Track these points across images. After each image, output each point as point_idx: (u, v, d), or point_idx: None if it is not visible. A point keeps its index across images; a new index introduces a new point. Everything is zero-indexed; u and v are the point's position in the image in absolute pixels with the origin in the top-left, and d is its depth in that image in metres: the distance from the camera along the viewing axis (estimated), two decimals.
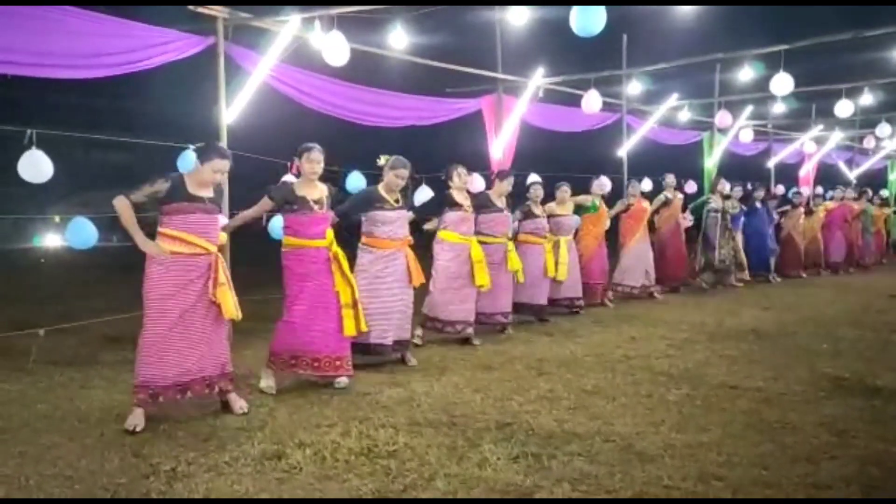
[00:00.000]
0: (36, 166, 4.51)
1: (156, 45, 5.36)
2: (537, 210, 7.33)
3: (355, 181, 6.35)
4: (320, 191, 4.66)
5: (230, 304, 3.99)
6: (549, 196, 8.02)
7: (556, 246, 7.52)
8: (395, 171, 5.23)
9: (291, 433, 3.77)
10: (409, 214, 5.55)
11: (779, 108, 12.01)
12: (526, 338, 6.58)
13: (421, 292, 5.83)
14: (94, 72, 4.99)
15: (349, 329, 4.65)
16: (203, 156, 4.01)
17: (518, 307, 7.06)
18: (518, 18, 6.20)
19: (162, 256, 3.86)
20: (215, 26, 5.80)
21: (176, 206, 3.90)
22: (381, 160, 5.40)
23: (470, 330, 6.16)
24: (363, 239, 5.28)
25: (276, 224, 5.25)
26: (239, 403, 4.15)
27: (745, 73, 8.94)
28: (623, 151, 10.47)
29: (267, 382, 4.63)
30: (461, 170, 6.14)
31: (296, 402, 4.42)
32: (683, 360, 5.55)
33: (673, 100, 10.83)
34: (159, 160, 5.24)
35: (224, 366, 4.13)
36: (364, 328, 4.76)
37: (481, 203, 6.46)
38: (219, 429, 3.88)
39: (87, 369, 5.27)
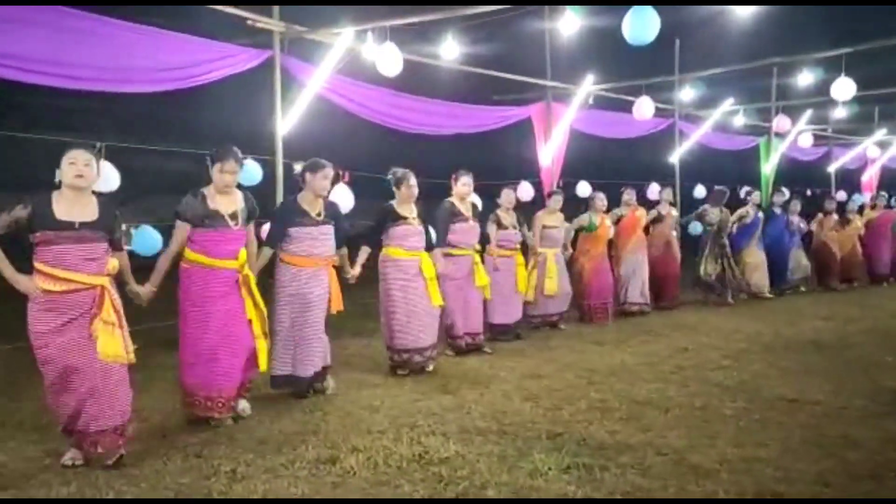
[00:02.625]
0: (105, 176, 4.72)
1: (216, 60, 5.56)
2: (506, 219, 6.61)
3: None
4: (236, 202, 4.05)
5: (110, 346, 3.34)
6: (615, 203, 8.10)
7: (544, 260, 7.09)
8: (322, 173, 4.55)
9: (344, 438, 3.85)
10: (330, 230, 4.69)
11: (840, 113, 11.62)
12: (575, 346, 6.53)
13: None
14: (157, 86, 5.21)
15: (264, 363, 4.16)
16: (62, 159, 3.33)
17: (491, 328, 6.57)
18: (569, 28, 6.19)
19: (34, 294, 3.27)
20: (272, 40, 5.97)
21: (41, 235, 3.25)
22: (297, 167, 4.67)
23: (434, 353, 5.48)
24: (280, 255, 4.61)
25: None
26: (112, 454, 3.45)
27: (805, 78, 8.69)
28: (675, 158, 10.32)
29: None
30: (412, 180, 5.41)
31: (347, 408, 4.50)
32: (739, 371, 5.42)
33: (728, 104, 10.61)
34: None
35: (126, 413, 3.51)
36: (264, 367, 4.23)
37: (445, 212, 5.89)
38: (275, 432, 3.99)
39: (148, 371, 5.47)
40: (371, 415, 4.33)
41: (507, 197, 6.58)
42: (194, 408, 4.05)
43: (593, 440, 3.81)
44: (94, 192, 3.47)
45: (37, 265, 3.28)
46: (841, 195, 12.63)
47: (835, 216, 10.93)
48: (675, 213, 8.92)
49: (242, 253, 4.04)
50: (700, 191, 10.76)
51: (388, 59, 5.65)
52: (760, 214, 9.58)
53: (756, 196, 9.61)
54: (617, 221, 8.19)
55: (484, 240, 6.37)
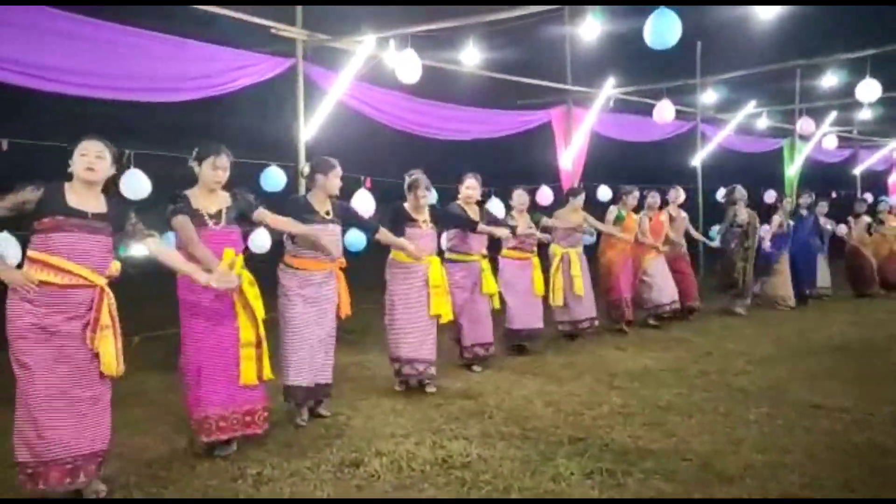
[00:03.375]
0: (135, 184, 4.83)
1: (242, 68, 5.66)
2: (521, 220, 6.31)
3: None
4: (220, 201, 3.77)
5: (111, 356, 3.11)
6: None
7: (563, 260, 6.80)
8: (334, 172, 4.35)
9: (368, 442, 3.89)
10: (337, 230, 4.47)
11: (865, 114, 11.45)
12: (596, 350, 6.52)
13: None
14: (186, 94, 5.30)
15: (247, 375, 3.70)
16: (72, 149, 3.15)
17: (508, 333, 6.28)
18: (590, 32, 6.19)
19: (26, 288, 2.97)
20: (295, 48, 6.05)
21: (50, 220, 3.01)
22: (306, 168, 4.49)
23: (432, 370, 5.08)
24: (285, 258, 4.36)
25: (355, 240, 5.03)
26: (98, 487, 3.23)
27: (829, 80, 8.58)
28: (697, 161, 10.26)
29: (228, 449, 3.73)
30: (422, 191, 5.12)
31: (370, 412, 4.54)
32: (763, 376, 5.38)
33: (751, 107, 10.52)
34: (237, 174, 5.52)
35: (105, 439, 3.21)
36: (269, 374, 3.84)
37: (451, 215, 5.58)
38: (300, 435, 4.05)
39: (176, 375, 5.56)
40: (394, 419, 4.37)
41: (519, 198, 6.33)
42: (203, 433, 3.66)
43: (616, 445, 3.81)
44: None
45: (36, 255, 3.01)
46: (868, 197, 12.43)
47: (866, 218, 10.39)
48: (684, 214, 8.54)
49: (228, 253, 3.62)
50: (722, 194, 10.69)
51: (408, 65, 5.70)
52: (791, 221, 9.15)
53: (787, 203, 9.21)
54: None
55: (495, 243, 6.06)
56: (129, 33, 5.15)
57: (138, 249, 3.55)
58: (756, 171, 11.86)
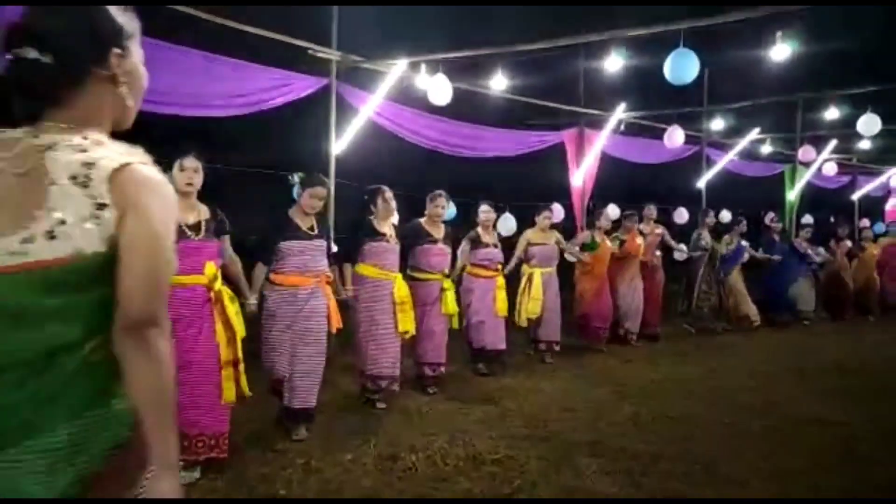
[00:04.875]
0: None
1: (281, 86, 5.99)
2: (486, 238, 6.22)
3: None
4: (198, 213, 3.67)
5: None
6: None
7: (530, 280, 6.61)
8: (311, 190, 4.28)
9: (402, 439, 4.20)
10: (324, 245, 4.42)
11: (865, 144, 11.87)
12: (606, 363, 6.83)
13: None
14: (233, 110, 5.64)
15: (229, 395, 3.58)
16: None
17: (470, 352, 6.21)
18: (612, 66, 6.57)
19: None
20: (329, 68, 6.40)
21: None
22: (294, 178, 4.44)
23: (395, 387, 5.09)
24: (270, 276, 4.24)
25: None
26: None
27: (831, 113, 8.96)
28: (702, 183, 10.63)
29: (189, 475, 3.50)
30: (388, 194, 5.08)
31: (398, 414, 4.85)
32: (766, 392, 5.69)
33: (754, 133, 10.91)
34: (274, 185, 5.80)
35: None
36: (247, 391, 3.70)
37: (414, 233, 5.48)
38: (339, 431, 4.36)
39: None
40: (422, 420, 4.68)
41: (485, 215, 6.22)
42: (186, 451, 3.47)
43: (630, 449, 4.12)
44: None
45: None
46: (864, 222, 12.80)
47: (848, 242, 10.46)
48: (659, 230, 8.31)
49: (209, 267, 3.56)
50: (725, 215, 11.03)
51: (440, 89, 6.05)
52: (745, 243, 9.08)
53: (743, 226, 9.15)
54: (619, 246, 7.76)
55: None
56: (185, 53, 5.46)
57: None
58: (758, 194, 12.24)
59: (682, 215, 10.03)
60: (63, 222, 1.17)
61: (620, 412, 4.97)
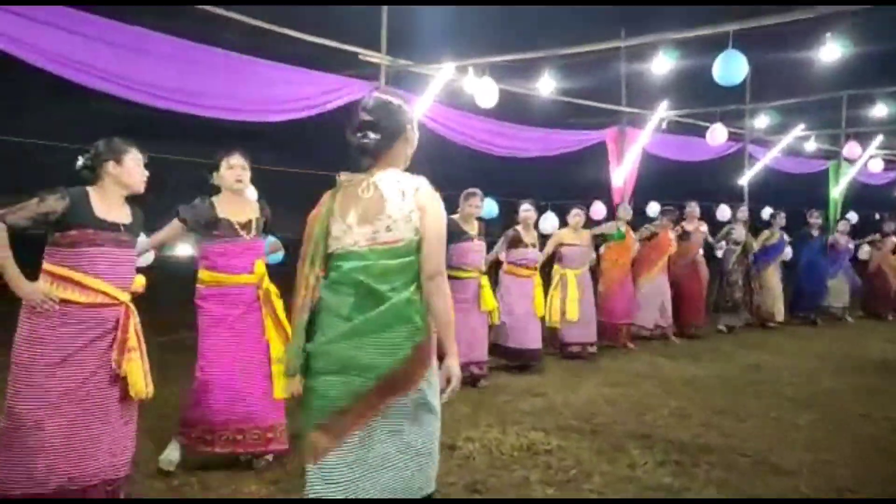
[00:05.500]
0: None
1: (333, 91, 6.23)
2: (526, 237, 6.24)
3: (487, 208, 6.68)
4: (250, 210, 3.66)
5: (139, 379, 2.89)
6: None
7: (563, 281, 6.64)
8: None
9: (457, 430, 4.39)
10: None
11: None
12: (648, 359, 6.94)
13: None
14: (290, 115, 5.91)
15: (281, 390, 3.40)
16: (117, 154, 2.93)
17: (502, 352, 6.18)
18: (660, 67, 6.67)
19: (46, 305, 2.75)
20: (378, 72, 6.63)
21: (77, 233, 2.79)
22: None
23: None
24: None
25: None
26: None
27: (879, 110, 8.87)
28: (745, 180, 10.61)
29: (170, 456, 3.56)
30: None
31: (451, 405, 5.03)
32: (809, 387, 5.76)
33: (798, 130, 10.84)
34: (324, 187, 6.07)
35: (127, 466, 3.01)
36: (280, 393, 3.58)
37: (449, 230, 5.73)
38: None
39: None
40: (475, 412, 4.87)
41: (525, 214, 6.25)
42: (199, 444, 3.55)
43: (679, 442, 4.26)
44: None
45: (57, 269, 2.79)
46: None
47: (894, 238, 10.38)
48: (703, 228, 8.34)
49: (259, 265, 3.60)
50: (767, 212, 10.99)
51: (487, 91, 6.23)
52: (787, 238, 9.19)
53: (781, 218, 9.22)
54: (649, 238, 7.84)
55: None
56: (247, 61, 5.73)
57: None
58: (802, 191, 12.14)
59: (724, 213, 10.02)
60: (395, 221, 2.24)
61: (666, 406, 5.10)
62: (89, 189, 2.90)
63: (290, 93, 6.01)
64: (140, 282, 3.07)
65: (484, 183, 6.09)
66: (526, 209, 6.30)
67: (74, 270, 2.79)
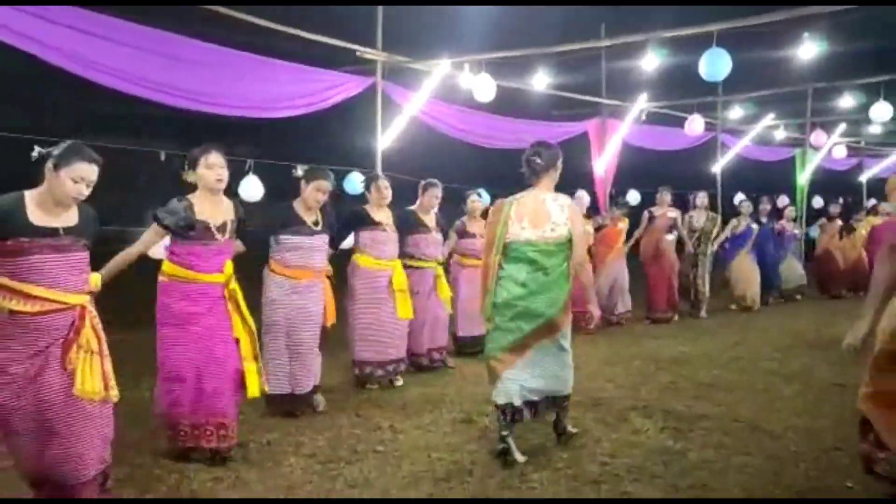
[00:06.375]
0: (253, 188, 5.63)
1: (332, 87, 6.44)
2: (474, 226, 6.24)
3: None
4: (226, 210, 3.65)
5: (89, 378, 2.79)
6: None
7: None
8: (315, 184, 4.33)
9: (470, 405, 4.69)
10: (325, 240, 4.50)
11: (874, 128, 12.29)
12: (635, 340, 7.31)
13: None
14: (291, 111, 6.10)
15: (253, 389, 3.63)
16: (59, 162, 2.74)
17: (456, 340, 6.32)
18: (649, 64, 7.01)
19: None
20: (375, 68, 6.84)
21: (12, 243, 2.68)
22: (298, 171, 4.46)
23: (402, 366, 5.32)
24: (272, 265, 4.37)
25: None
26: None
27: (845, 101, 9.36)
28: (717, 168, 11.07)
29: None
30: (382, 182, 5.22)
31: (459, 382, 5.35)
32: (789, 362, 6.17)
33: (768, 119, 11.34)
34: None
35: (105, 457, 2.96)
36: (265, 388, 3.78)
37: (407, 221, 5.52)
38: (412, 398, 4.88)
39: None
40: (483, 388, 5.12)
41: (472, 204, 6.27)
42: (178, 439, 3.59)
43: (675, 411, 4.60)
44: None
45: (2, 280, 2.69)
46: (872, 203, 13.21)
47: (838, 222, 10.75)
48: (672, 214, 8.44)
49: (228, 266, 3.64)
50: (739, 198, 11.47)
51: (484, 87, 6.50)
52: (753, 225, 9.37)
53: (746, 206, 9.40)
54: (598, 229, 7.97)
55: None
56: (237, 55, 5.92)
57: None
58: (770, 177, 12.68)
59: (701, 200, 10.43)
60: (557, 224, 3.62)
61: (659, 380, 5.46)
62: (28, 193, 2.76)
63: (294, 90, 6.21)
64: (95, 280, 2.98)
65: (476, 175, 6.39)
66: (473, 199, 6.28)
67: (16, 280, 2.68)
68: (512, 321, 3.63)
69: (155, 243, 3.61)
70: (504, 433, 3.63)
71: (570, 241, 3.63)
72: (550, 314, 3.62)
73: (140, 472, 3.51)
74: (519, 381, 3.64)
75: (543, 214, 3.61)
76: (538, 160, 3.66)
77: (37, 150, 2.81)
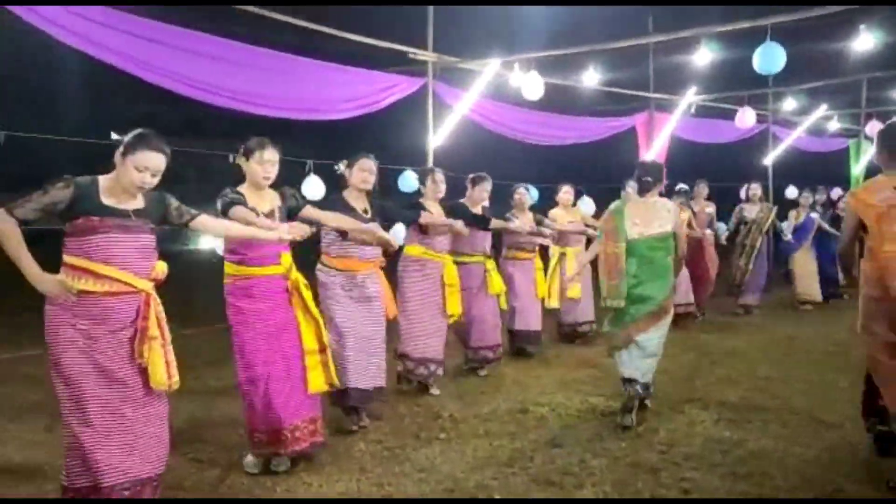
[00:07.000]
0: (315, 188, 5.88)
1: (386, 89, 6.63)
2: (523, 219, 6.04)
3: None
4: (271, 200, 3.57)
5: (159, 369, 2.82)
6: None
7: (561, 261, 6.55)
8: (359, 164, 4.18)
9: (525, 396, 4.83)
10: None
11: None
12: (686, 333, 7.28)
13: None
14: (346, 113, 6.31)
15: (315, 383, 3.55)
16: (126, 149, 2.78)
17: (510, 335, 6.16)
18: (702, 59, 7.02)
19: (63, 298, 2.71)
20: (426, 68, 7.01)
21: (83, 221, 2.72)
22: (340, 167, 4.32)
23: (440, 371, 5.05)
24: (324, 259, 4.23)
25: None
26: None
27: None
28: (769, 160, 10.92)
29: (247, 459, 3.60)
30: (438, 176, 5.12)
31: (513, 376, 5.49)
32: (846, 355, 6.10)
33: (821, 111, 11.12)
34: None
35: (162, 462, 2.94)
36: (336, 381, 3.69)
37: (457, 213, 5.27)
38: (467, 390, 5.04)
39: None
40: (537, 381, 5.30)
41: (519, 198, 6.13)
42: (260, 447, 3.52)
43: (730, 403, 4.66)
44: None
45: (71, 259, 2.73)
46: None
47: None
48: (710, 209, 8.14)
49: (286, 257, 3.54)
50: (791, 191, 11.27)
51: (533, 85, 6.61)
52: (813, 215, 8.92)
53: (805, 197, 9.02)
54: None
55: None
56: (291, 60, 6.14)
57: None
58: (824, 169, 12.43)
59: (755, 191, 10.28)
60: (664, 222, 4.36)
61: (713, 373, 5.50)
62: (101, 177, 2.82)
63: (350, 92, 6.41)
64: (161, 268, 2.94)
65: (527, 171, 6.49)
66: (520, 192, 6.16)
67: (86, 259, 2.71)
68: (632, 306, 4.31)
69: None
70: (629, 404, 4.21)
71: (674, 235, 4.40)
72: (661, 298, 4.32)
73: (223, 454, 3.76)
74: (630, 360, 4.37)
75: (654, 214, 4.36)
76: (649, 179, 4.38)
77: (113, 136, 2.87)
